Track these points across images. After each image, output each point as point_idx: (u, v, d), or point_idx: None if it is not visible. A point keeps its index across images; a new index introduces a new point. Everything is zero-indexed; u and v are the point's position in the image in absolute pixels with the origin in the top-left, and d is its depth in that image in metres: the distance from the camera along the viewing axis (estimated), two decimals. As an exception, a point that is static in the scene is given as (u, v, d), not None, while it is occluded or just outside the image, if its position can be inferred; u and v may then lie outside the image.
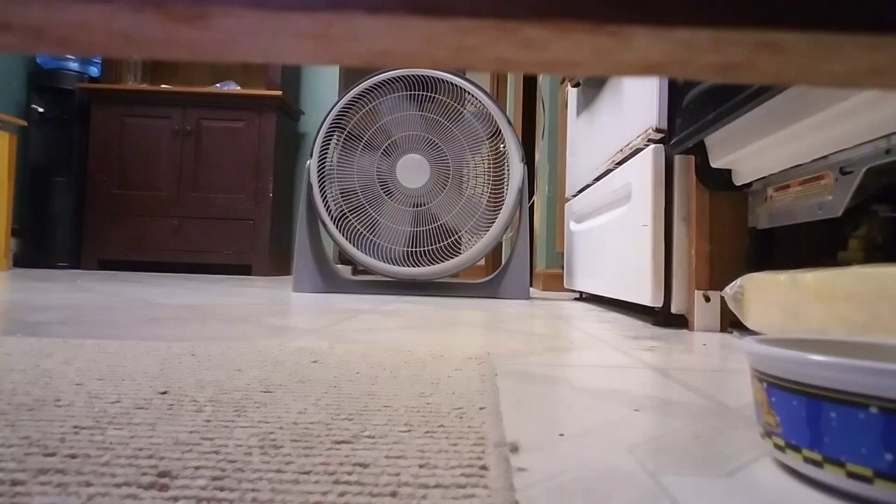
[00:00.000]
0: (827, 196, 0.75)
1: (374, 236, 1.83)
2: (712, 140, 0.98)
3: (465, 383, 0.50)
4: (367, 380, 0.51)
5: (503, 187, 1.84)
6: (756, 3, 0.18)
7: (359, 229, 1.83)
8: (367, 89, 1.82)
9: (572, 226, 1.94)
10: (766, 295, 0.82)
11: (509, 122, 1.86)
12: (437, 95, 1.82)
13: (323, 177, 1.84)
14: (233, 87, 3.25)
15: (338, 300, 1.53)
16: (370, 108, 1.83)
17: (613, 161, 1.38)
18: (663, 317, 1.08)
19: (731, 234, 1.01)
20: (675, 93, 1.06)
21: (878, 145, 0.65)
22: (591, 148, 1.67)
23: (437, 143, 1.84)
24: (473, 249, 1.84)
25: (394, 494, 0.26)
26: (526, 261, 1.85)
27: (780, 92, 0.71)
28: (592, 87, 1.71)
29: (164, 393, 0.44)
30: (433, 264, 1.82)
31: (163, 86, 3.28)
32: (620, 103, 1.34)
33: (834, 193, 0.73)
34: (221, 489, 0.26)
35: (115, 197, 3.03)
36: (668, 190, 1.08)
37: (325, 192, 1.84)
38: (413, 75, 1.81)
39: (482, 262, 3.34)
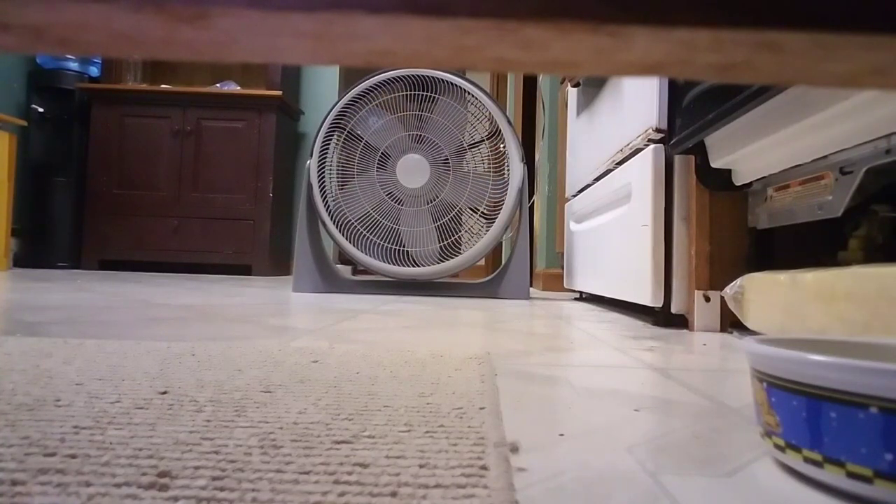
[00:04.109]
0: (827, 196, 0.75)
1: (374, 236, 1.83)
2: (712, 140, 0.98)
3: (465, 383, 0.50)
4: (367, 380, 0.51)
5: (503, 187, 1.84)
6: (756, 3, 0.18)
7: (359, 229, 1.83)
8: (367, 89, 1.82)
9: (572, 226, 1.94)
10: (766, 295, 0.82)
11: (509, 122, 1.86)
12: (437, 95, 1.82)
13: (323, 177, 1.84)
14: (233, 87, 3.25)
15: (338, 300, 1.53)
16: (370, 109, 1.83)
17: (613, 161, 1.38)
18: (663, 317, 1.08)
19: (731, 234, 1.01)
20: (675, 93, 1.06)
21: (878, 145, 0.65)
22: (591, 148, 1.66)
23: (436, 143, 1.84)
24: (473, 249, 1.84)
25: (394, 494, 0.26)
26: (526, 261, 1.85)
27: (780, 92, 0.71)
28: (592, 87, 1.71)
29: (164, 393, 0.44)
30: (433, 264, 1.82)
31: (163, 86, 3.27)
32: (620, 103, 1.34)
33: (834, 193, 0.73)
34: (221, 489, 0.26)
35: (115, 197, 3.03)
36: (668, 190, 1.08)
37: (325, 192, 1.84)
38: (413, 75, 1.81)
39: (482, 262, 3.33)
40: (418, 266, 1.82)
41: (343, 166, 1.85)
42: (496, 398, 0.46)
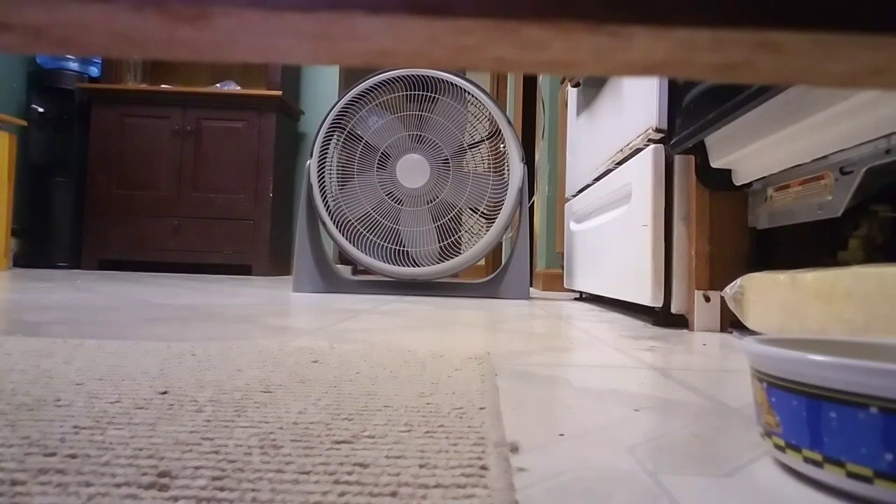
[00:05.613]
0: (827, 196, 0.75)
1: (374, 236, 1.83)
2: (712, 140, 0.98)
3: (465, 383, 0.50)
4: (367, 380, 0.51)
5: (503, 187, 1.84)
6: (756, 3, 0.18)
7: (359, 229, 1.83)
8: (367, 89, 1.82)
9: (572, 226, 1.94)
10: (766, 295, 0.82)
11: (509, 122, 1.86)
12: (437, 95, 1.82)
13: (323, 177, 1.84)
14: (233, 87, 3.25)
15: (338, 300, 1.53)
16: (370, 109, 1.84)
17: (613, 161, 1.38)
18: (663, 317, 1.08)
19: (731, 234, 1.01)
20: (675, 93, 1.06)
21: (878, 145, 0.65)
22: (590, 148, 1.66)
23: (437, 143, 1.84)
24: (473, 249, 1.84)
25: (394, 494, 0.26)
26: (526, 261, 1.85)
27: (780, 92, 0.71)
28: (592, 87, 1.71)
29: (164, 393, 0.44)
30: (433, 264, 1.82)
31: (163, 86, 3.27)
32: (620, 103, 1.34)
33: (834, 193, 0.73)
34: (221, 489, 0.26)
35: (115, 197, 3.03)
36: (668, 190, 1.08)
37: (325, 192, 1.84)
38: (413, 75, 1.81)
39: (482, 262, 3.33)
40: (418, 266, 1.82)
41: (343, 166, 1.85)
42: (496, 398, 0.46)
